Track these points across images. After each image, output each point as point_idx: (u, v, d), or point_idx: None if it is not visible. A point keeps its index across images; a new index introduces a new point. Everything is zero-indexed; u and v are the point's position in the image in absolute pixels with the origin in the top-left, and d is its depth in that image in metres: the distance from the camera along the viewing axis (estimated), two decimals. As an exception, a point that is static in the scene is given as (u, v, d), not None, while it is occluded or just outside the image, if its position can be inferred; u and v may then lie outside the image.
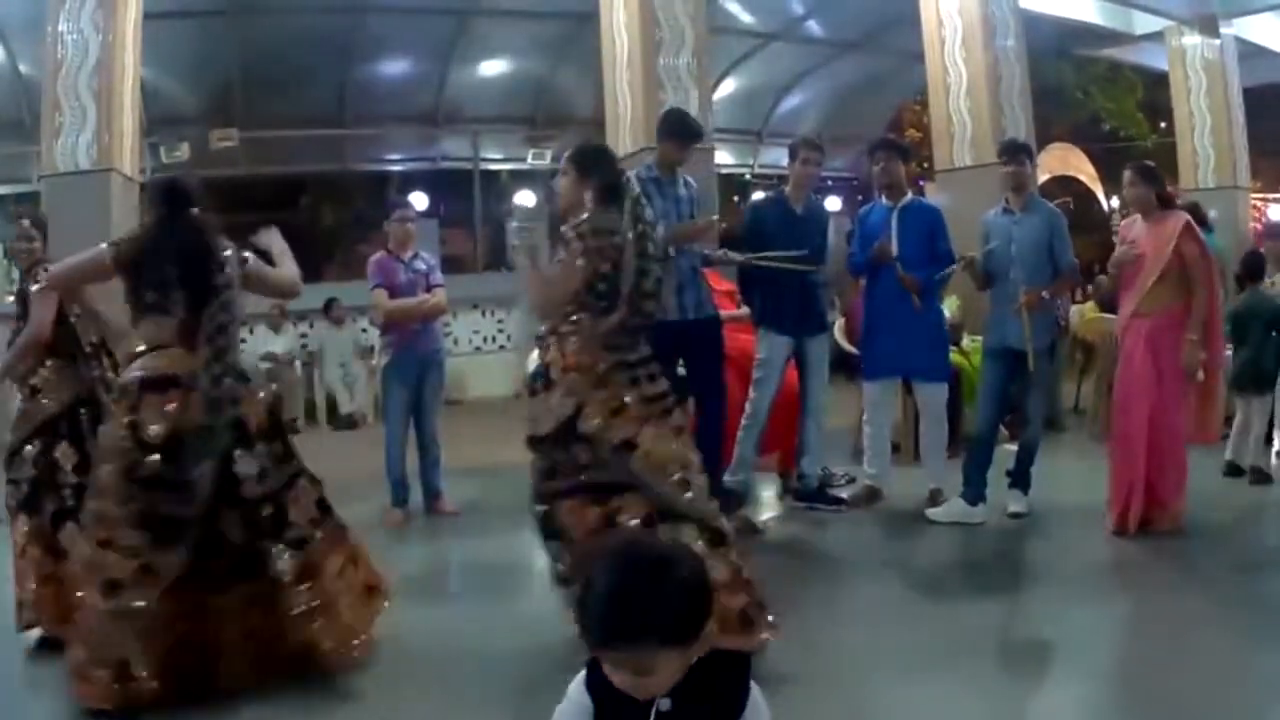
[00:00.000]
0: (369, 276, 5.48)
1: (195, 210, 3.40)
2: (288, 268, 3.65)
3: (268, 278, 3.58)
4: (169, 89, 11.34)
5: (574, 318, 3.34)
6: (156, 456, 3.07)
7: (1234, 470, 5.51)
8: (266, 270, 3.57)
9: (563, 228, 3.43)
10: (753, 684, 1.45)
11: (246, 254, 3.47)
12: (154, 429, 3.09)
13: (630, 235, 3.37)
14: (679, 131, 4.87)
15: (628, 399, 3.27)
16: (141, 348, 3.27)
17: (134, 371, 3.21)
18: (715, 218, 5.09)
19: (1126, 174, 4.70)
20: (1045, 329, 4.92)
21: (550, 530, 3.36)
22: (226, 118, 11.67)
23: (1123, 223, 5.05)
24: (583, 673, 1.46)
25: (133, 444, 3.10)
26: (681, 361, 4.94)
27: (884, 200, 5.31)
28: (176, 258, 3.26)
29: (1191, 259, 4.50)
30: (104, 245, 3.37)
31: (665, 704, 1.40)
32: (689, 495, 3.22)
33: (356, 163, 14.01)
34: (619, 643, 1.37)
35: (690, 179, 4.97)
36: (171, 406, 3.13)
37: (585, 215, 3.41)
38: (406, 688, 3.27)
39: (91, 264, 3.41)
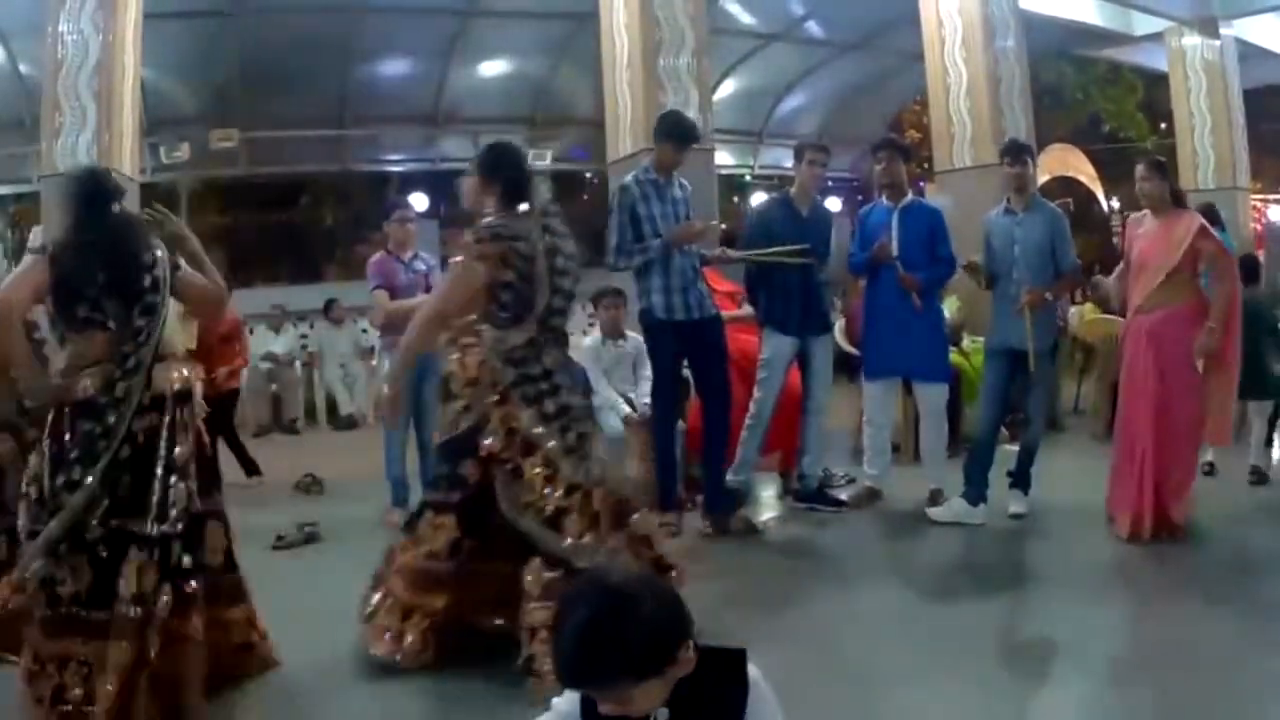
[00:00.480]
0: (369, 277, 5.48)
1: (117, 207, 3.04)
2: (211, 274, 3.18)
3: (194, 286, 3.12)
4: (169, 89, 11.33)
5: (478, 328, 3.25)
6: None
7: (1211, 470, 5.51)
8: (195, 279, 3.12)
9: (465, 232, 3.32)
10: (755, 676, 1.44)
11: (178, 259, 3.09)
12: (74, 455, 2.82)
13: (540, 245, 3.24)
14: (675, 133, 4.89)
15: (524, 418, 3.18)
16: (63, 367, 2.93)
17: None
18: (715, 221, 5.10)
19: (1140, 169, 4.65)
20: (1047, 329, 4.93)
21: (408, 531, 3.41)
22: (226, 118, 11.65)
23: (1130, 217, 5.03)
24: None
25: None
26: (686, 362, 4.97)
27: (885, 200, 5.31)
28: (103, 262, 2.89)
29: (1212, 255, 4.50)
30: (34, 256, 2.98)
31: (663, 714, 1.40)
32: (547, 531, 3.13)
33: (356, 163, 13.98)
34: (591, 685, 1.37)
35: (684, 181, 4.98)
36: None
37: (487, 219, 3.27)
38: (405, 686, 3.27)
39: (34, 281, 2.92)
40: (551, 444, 3.18)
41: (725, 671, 1.44)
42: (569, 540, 3.12)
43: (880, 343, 5.28)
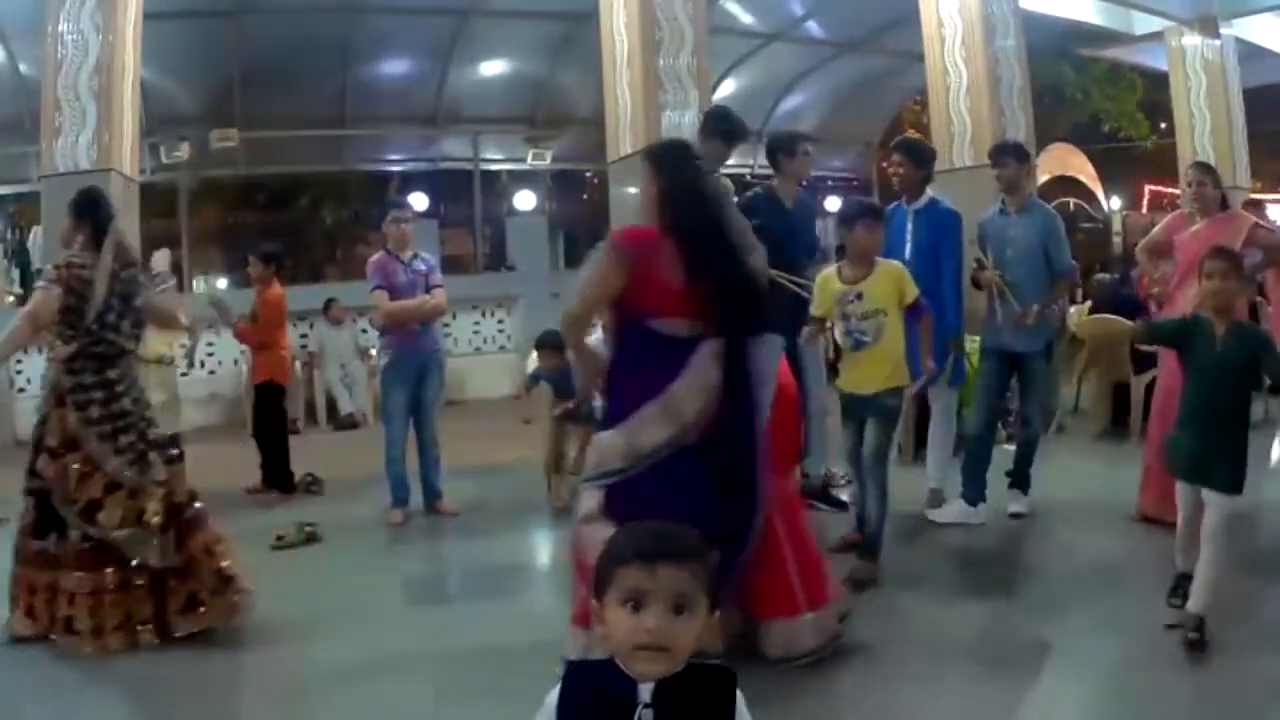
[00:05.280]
0: (369, 277, 5.47)
1: None
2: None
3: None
4: (169, 89, 11.35)
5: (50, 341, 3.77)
6: None
7: None
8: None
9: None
10: (740, 698, 1.40)
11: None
12: None
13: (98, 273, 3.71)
14: (717, 130, 4.88)
15: (71, 420, 3.66)
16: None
17: None
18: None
19: (1194, 173, 4.73)
20: (1043, 330, 4.90)
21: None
22: (226, 118, 11.67)
23: (1173, 215, 5.00)
24: (554, 692, 1.40)
25: None
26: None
27: (905, 203, 5.23)
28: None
29: (1270, 242, 4.69)
30: None
31: (648, 715, 1.34)
32: (93, 520, 3.62)
33: (356, 163, 14.02)
34: (672, 557, 1.35)
35: (729, 183, 4.97)
36: None
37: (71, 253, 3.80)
38: (406, 687, 3.28)
39: None
40: (93, 444, 3.66)
41: (713, 687, 1.39)
42: (102, 529, 3.61)
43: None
